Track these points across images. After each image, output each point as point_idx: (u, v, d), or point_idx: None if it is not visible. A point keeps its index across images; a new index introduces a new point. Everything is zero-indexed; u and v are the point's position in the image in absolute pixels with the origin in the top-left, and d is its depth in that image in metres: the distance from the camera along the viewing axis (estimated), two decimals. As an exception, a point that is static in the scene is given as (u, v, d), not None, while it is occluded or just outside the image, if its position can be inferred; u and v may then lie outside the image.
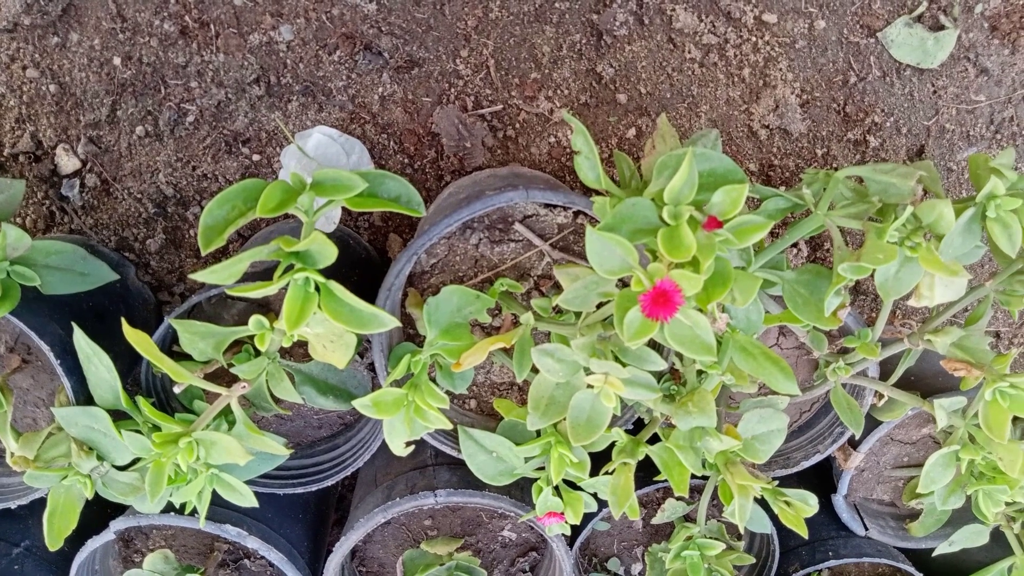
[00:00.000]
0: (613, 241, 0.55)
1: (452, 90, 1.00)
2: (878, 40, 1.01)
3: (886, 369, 0.87)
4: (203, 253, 0.61)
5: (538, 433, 0.79)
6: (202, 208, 1.02)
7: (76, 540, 0.87)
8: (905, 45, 1.00)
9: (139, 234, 1.03)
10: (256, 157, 1.01)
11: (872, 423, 0.93)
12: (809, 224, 0.67)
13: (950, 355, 0.76)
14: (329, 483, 0.92)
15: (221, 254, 1.05)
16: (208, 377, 0.75)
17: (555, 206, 0.83)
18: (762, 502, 0.82)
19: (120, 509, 0.92)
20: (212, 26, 0.96)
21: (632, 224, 0.58)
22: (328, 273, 0.61)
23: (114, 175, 1.00)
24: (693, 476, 0.75)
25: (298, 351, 0.87)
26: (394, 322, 0.62)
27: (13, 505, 0.88)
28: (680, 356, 0.76)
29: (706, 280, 0.55)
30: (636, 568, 1.10)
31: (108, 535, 0.90)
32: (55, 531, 0.77)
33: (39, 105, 0.98)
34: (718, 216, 0.57)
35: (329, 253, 0.60)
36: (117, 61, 0.97)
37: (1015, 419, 0.85)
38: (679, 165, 0.57)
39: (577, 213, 0.83)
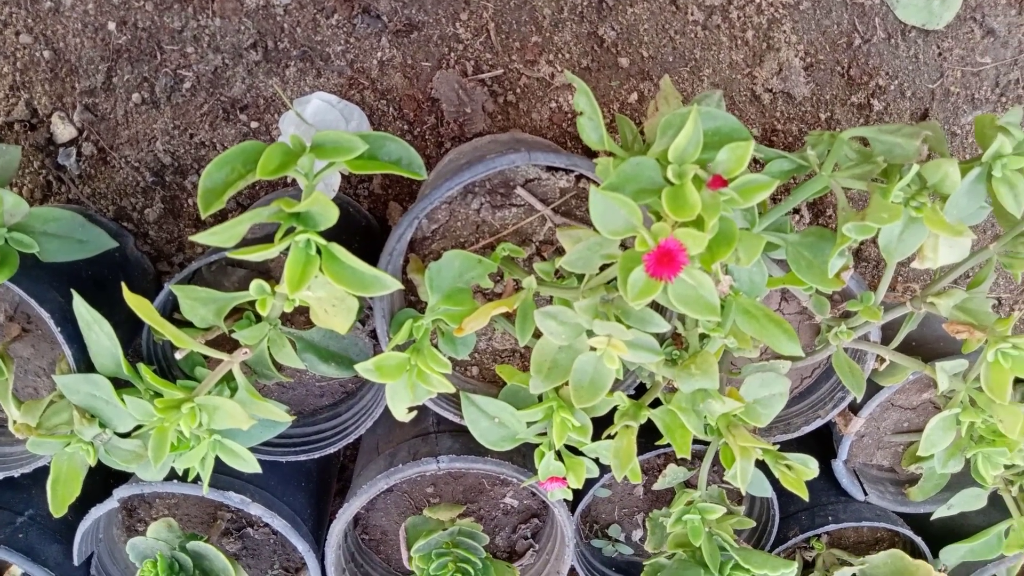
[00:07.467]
0: (617, 201, 0.55)
1: (452, 54, 0.99)
2: (883, 1, 0.99)
3: (887, 334, 0.87)
4: (203, 216, 0.60)
5: (540, 398, 0.79)
6: (200, 176, 1.01)
7: (80, 509, 0.87)
8: (911, 6, 0.98)
9: (137, 203, 1.02)
10: (254, 124, 1.00)
11: (872, 388, 0.93)
12: (814, 185, 0.67)
13: (953, 318, 0.76)
14: (332, 450, 0.92)
15: (219, 221, 1.04)
16: (209, 344, 0.75)
17: (557, 170, 0.82)
18: (763, 466, 0.83)
19: (123, 479, 0.92)
20: (207, -10, 0.95)
21: (636, 184, 0.57)
22: (329, 239, 0.61)
23: (111, 143, 0.99)
24: (693, 442, 0.75)
25: (299, 319, 0.87)
26: (396, 284, 0.61)
27: (16, 474, 0.88)
28: (682, 320, 0.76)
29: (711, 239, 0.55)
30: (637, 534, 1.11)
31: (112, 503, 0.90)
32: (59, 498, 0.77)
33: (33, 72, 0.96)
34: (723, 174, 0.56)
35: (331, 214, 0.59)
36: (112, 26, 0.95)
37: (1016, 381, 0.85)
38: (684, 124, 0.56)
39: (579, 177, 0.82)
